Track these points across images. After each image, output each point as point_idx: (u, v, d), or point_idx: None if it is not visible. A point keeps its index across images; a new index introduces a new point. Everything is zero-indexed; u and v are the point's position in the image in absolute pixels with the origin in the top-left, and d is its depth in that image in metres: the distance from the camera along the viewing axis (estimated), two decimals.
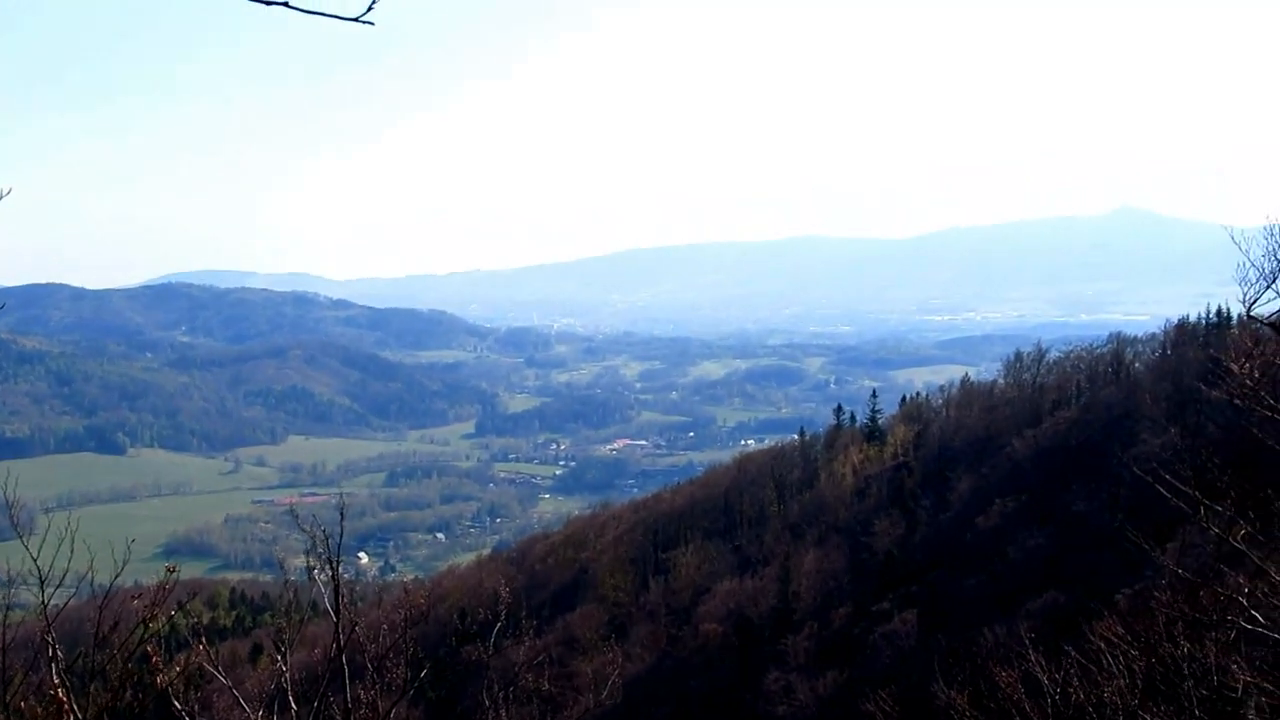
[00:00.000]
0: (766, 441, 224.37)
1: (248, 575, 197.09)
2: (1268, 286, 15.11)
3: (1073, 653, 23.90)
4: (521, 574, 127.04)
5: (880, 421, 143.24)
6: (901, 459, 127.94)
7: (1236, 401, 16.29)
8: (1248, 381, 15.74)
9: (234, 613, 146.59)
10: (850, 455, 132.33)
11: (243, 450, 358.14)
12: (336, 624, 14.85)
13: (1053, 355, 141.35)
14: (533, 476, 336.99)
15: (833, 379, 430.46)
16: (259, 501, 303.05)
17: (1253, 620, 16.64)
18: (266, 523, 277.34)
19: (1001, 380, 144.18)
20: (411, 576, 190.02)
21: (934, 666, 53.80)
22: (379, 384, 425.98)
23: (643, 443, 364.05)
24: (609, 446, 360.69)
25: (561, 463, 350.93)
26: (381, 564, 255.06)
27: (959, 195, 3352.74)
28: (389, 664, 16.15)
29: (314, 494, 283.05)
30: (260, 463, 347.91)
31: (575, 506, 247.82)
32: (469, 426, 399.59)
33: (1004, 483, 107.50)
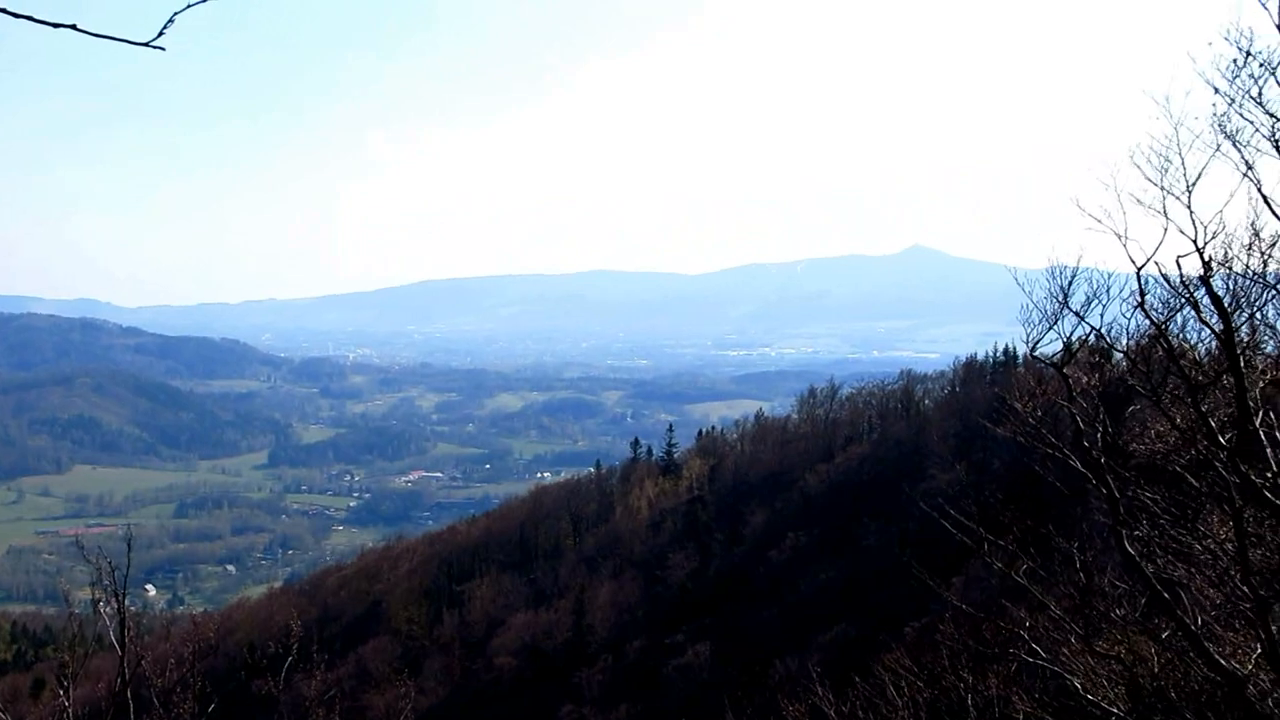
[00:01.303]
0: (563, 474, 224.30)
1: (30, 608, 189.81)
2: (1050, 328, 15.57)
3: (860, 684, 24.32)
4: (314, 606, 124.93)
5: (676, 455, 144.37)
6: (696, 492, 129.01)
7: (1020, 439, 16.75)
8: (1030, 420, 16.22)
9: (15, 646, 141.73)
10: (646, 488, 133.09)
11: (27, 480, 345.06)
12: (122, 657, 14.45)
13: (845, 391, 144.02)
14: (326, 508, 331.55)
15: (629, 412, 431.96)
16: (43, 532, 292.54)
17: (1033, 653, 17.10)
18: (50, 554, 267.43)
19: (795, 415, 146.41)
20: (200, 609, 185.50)
21: (725, 699, 54.28)
22: (169, 413, 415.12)
23: (438, 475, 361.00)
24: (404, 478, 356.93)
25: (356, 494, 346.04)
26: (169, 596, 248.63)
27: (755, 233, 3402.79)
28: (176, 698, 15.78)
29: (101, 524, 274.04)
30: (45, 493, 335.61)
31: (369, 538, 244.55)
32: (262, 457, 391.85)
33: (797, 516, 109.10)
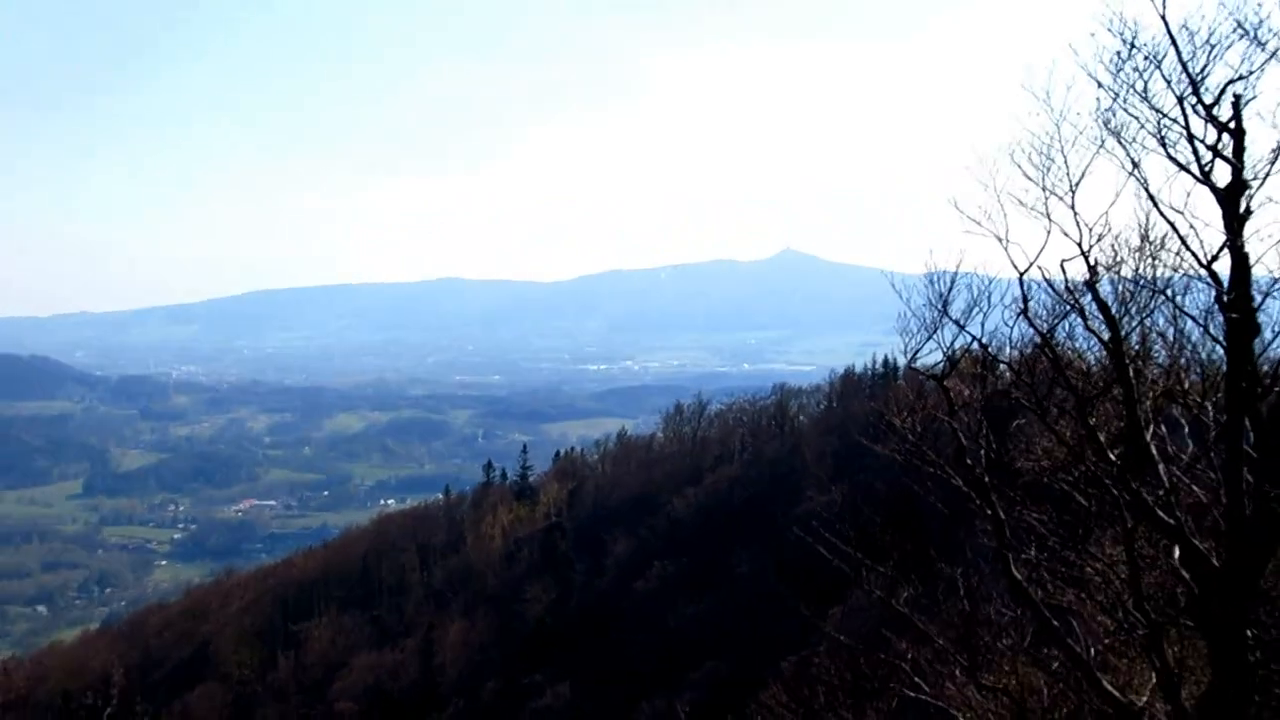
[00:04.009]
0: (408, 501, 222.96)
1: None
2: (929, 337, 15.65)
3: None
4: (135, 650, 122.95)
5: (532, 478, 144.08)
6: (554, 519, 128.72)
7: (900, 457, 16.81)
8: (910, 436, 16.30)
9: None
10: (499, 515, 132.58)
11: None
12: None
13: (714, 407, 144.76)
14: (148, 541, 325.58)
15: (481, 433, 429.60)
16: None
17: (916, 687, 17.20)
18: None
19: (661, 434, 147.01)
20: (8, 655, 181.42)
21: None
22: None
23: (272, 503, 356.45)
24: (234, 507, 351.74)
25: (181, 526, 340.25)
26: None
27: (614, 238, 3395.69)
28: None
29: None
30: None
31: (196, 574, 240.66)
32: (76, 486, 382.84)
33: (664, 544, 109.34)
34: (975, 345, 15.88)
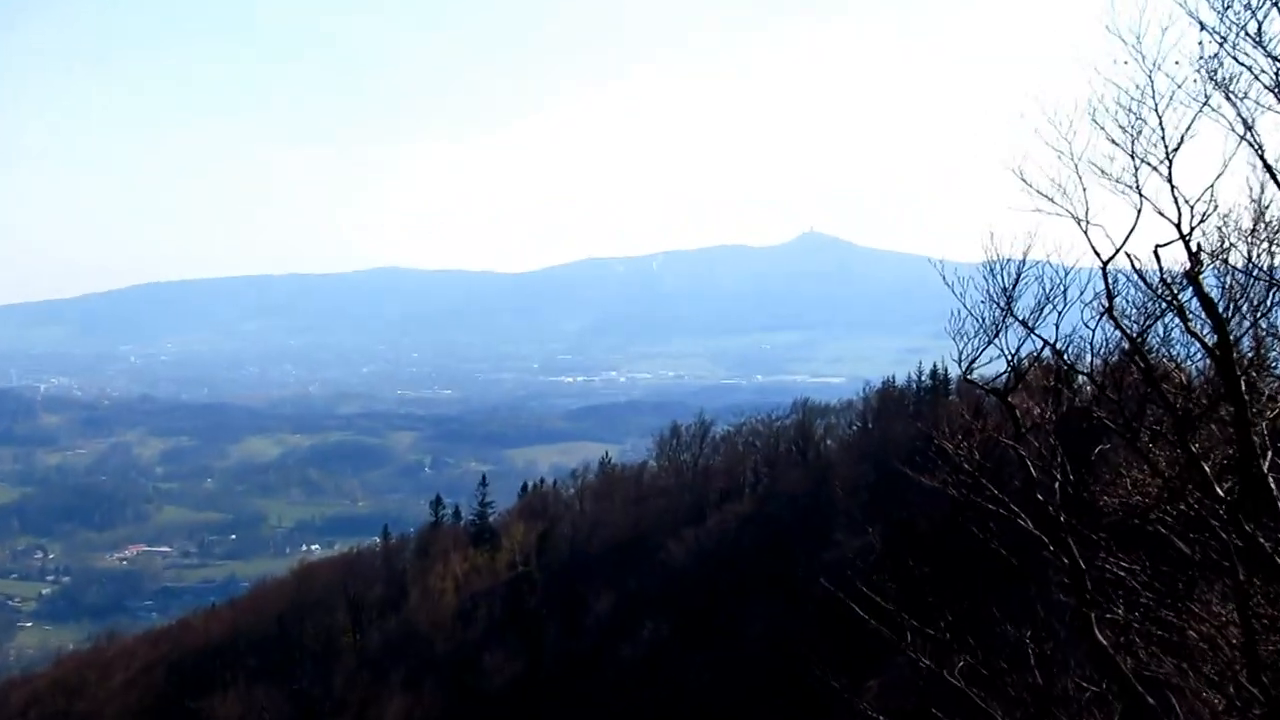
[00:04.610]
0: (337, 547, 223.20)
1: None
2: (989, 341, 15.46)
3: None
4: None
5: (492, 518, 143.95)
6: (521, 568, 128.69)
7: (953, 492, 16.65)
8: (966, 465, 16.13)
9: None
10: (452, 564, 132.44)
11: None
12: None
13: (720, 429, 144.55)
14: (10, 597, 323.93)
15: (428, 461, 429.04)
16: None
17: None
18: None
19: (653, 462, 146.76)
20: None
21: None
22: None
23: (166, 549, 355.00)
24: (118, 555, 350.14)
25: (50, 578, 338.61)
26: None
27: (595, 220, 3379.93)
28: None
29: None
30: None
31: (70, 638, 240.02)
32: None
33: (657, 599, 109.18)
34: (1047, 352, 15.75)
